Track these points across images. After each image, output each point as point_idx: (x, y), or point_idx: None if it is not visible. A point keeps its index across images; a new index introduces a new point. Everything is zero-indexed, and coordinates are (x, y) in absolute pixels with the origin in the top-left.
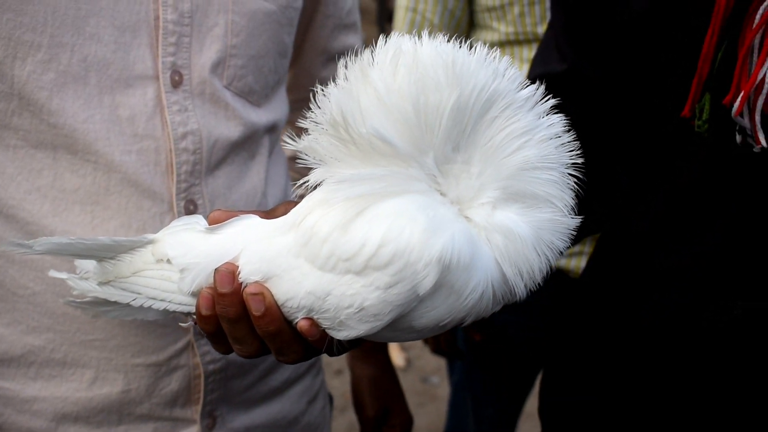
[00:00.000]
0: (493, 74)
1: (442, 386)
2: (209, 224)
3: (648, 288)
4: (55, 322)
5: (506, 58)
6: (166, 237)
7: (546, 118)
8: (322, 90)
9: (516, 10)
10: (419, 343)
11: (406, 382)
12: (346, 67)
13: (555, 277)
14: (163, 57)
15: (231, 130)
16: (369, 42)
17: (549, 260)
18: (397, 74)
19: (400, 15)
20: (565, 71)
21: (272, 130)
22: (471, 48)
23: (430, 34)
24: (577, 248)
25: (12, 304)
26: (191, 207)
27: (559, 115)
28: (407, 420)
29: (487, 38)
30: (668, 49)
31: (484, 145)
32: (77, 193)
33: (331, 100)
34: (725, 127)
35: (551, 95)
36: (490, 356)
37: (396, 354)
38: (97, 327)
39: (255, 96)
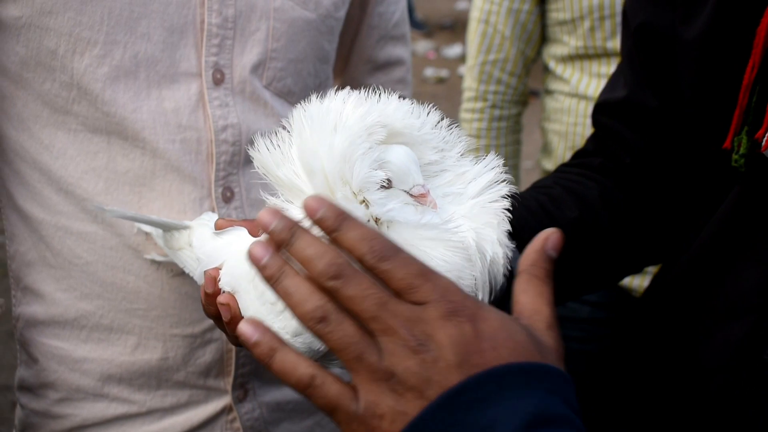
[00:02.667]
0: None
1: None
2: (216, 229)
3: (705, 323)
4: (104, 290)
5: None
6: (195, 227)
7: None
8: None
9: (586, 24)
10: None
11: None
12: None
13: (615, 292)
14: (206, 57)
15: (270, 127)
16: None
17: None
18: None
19: (473, 27)
20: (624, 98)
21: None
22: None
23: (500, 46)
24: None
25: (68, 271)
26: (228, 194)
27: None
28: None
29: (557, 52)
30: (714, 80)
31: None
32: (127, 175)
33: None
34: (762, 162)
35: (612, 122)
36: None
37: None
38: (141, 297)
39: (294, 97)
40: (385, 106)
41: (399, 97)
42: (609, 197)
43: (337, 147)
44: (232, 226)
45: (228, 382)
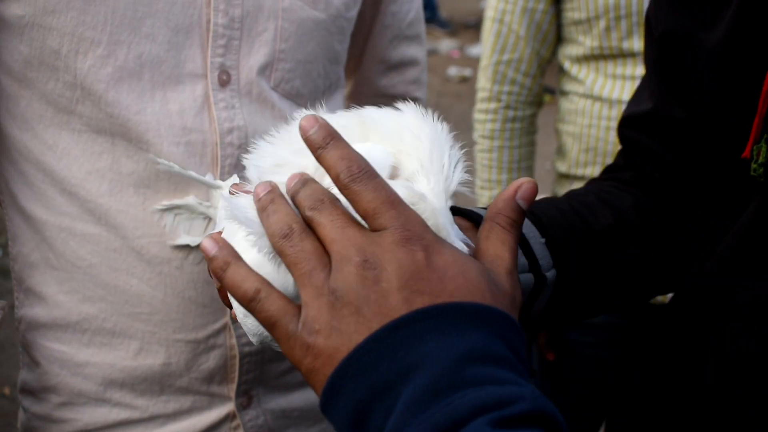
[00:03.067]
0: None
1: None
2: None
3: (726, 333)
4: (107, 294)
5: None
6: (224, 187)
7: None
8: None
9: (602, 24)
10: None
11: None
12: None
13: None
14: (212, 57)
15: None
16: None
17: None
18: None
19: (487, 26)
20: (650, 111)
21: None
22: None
23: (515, 46)
24: None
25: (71, 273)
26: None
27: None
28: None
29: (572, 52)
30: (734, 87)
31: None
32: (131, 176)
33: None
34: None
35: (639, 135)
36: (563, 376)
37: None
38: (144, 301)
39: (303, 99)
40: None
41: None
42: (643, 209)
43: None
44: (245, 191)
45: (232, 389)
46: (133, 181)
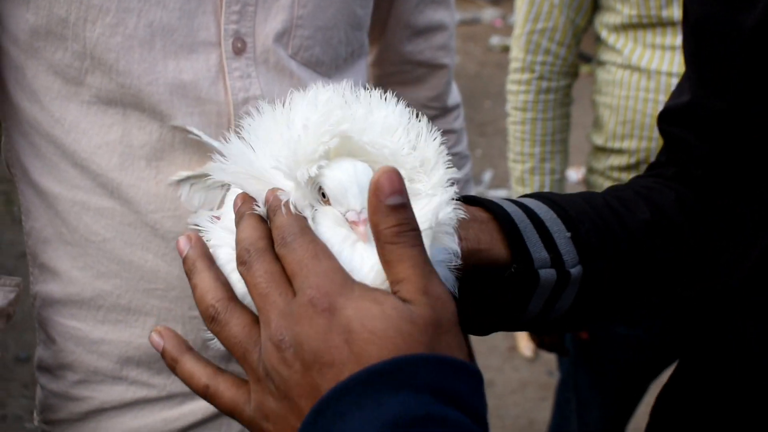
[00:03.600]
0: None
1: None
2: None
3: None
4: (122, 269)
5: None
6: None
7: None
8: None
9: None
10: None
11: (532, 374)
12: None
13: None
14: (225, 24)
15: None
16: None
17: None
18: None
19: None
20: (688, 103)
21: None
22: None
23: (549, 14)
24: None
25: (84, 249)
26: None
27: None
28: None
29: (610, 21)
30: None
31: None
32: (143, 148)
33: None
34: None
35: (678, 129)
36: (596, 356)
37: (524, 344)
38: (159, 277)
39: (323, 67)
40: (363, 116)
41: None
42: (685, 205)
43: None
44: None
45: None
46: (145, 154)
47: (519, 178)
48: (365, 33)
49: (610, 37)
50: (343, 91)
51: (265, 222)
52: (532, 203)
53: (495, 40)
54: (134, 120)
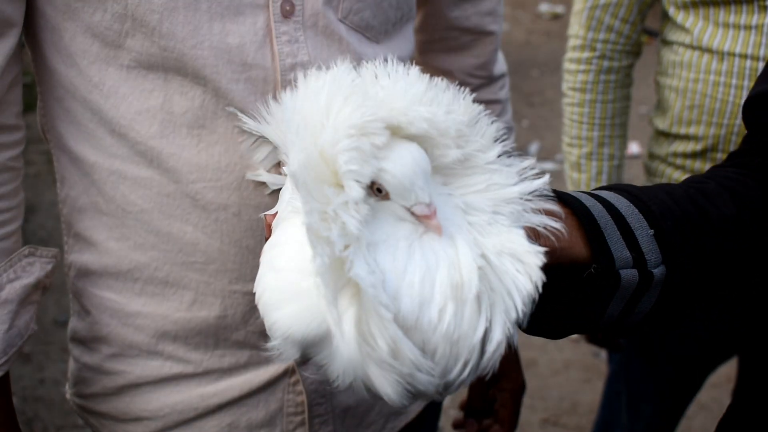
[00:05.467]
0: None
1: None
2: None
3: None
4: (159, 241)
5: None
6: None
7: None
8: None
9: None
10: None
11: (576, 355)
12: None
13: None
14: None
15: None
16: None
17: None
18: None
19: None
20: None
21: None
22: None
23: None
24: None
25: (121, 219)
26: None
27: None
28: (519, 386)
29: None
30: None
31: None
32: (185, 116)
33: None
34: None
35: (764, 115)
36: (651, 348)
37: None
38: (198, 249)
39: (373, 32)
40: (387, 93)
41: (418, 71)
42: None
43: (320, 149)
44: None
45: None
46: (187, 121)
47: (575, 164)
48: None
49: (678, 15)
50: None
51: None
52: (610, 196)
53: (544, 7)
54: (176, 85)
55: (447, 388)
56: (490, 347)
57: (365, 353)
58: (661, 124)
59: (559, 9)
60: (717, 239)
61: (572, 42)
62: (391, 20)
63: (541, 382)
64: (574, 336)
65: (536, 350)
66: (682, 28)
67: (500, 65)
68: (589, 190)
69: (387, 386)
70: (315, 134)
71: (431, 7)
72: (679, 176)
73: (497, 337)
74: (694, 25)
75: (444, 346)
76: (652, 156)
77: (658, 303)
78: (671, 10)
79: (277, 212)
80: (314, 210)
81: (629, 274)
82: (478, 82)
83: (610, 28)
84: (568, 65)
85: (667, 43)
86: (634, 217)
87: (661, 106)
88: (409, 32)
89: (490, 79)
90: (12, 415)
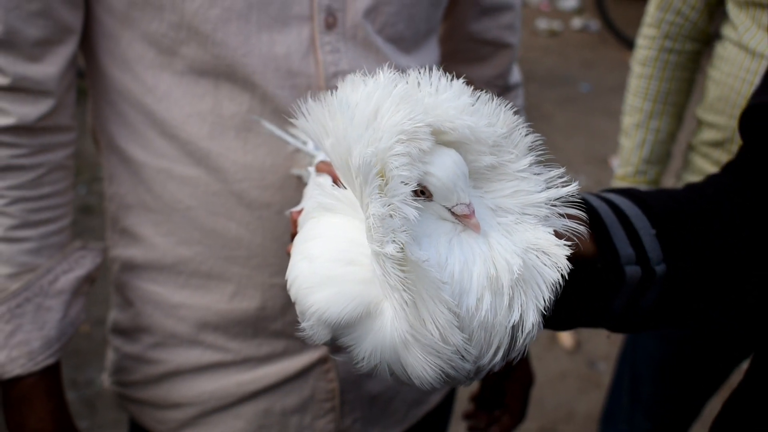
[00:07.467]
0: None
1: (608, 374)
2: (316, 171)
3: None
4: (204, 237)
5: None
6: (318, 157)
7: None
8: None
9: None
10: None
11: (572, 365)
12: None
13: None
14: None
15: None
16: None
17: None
18: None
19: None
20: None
21: None
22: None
23: None
24: None
25: (168, 216)
26: None
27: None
28: (530, 379)
29: None
30: None
31: None
32: (233, 119)
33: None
34: None
35: (760, 126)
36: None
37: (566, 334)
38: (242, 245)
39: (405, 43)
40: (433, 101)
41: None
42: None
43: (368, 152)
44: (330, 170)
45: None
46: (235, 125)
47: (625, 130)
48: (442, 10)
49: (732, 12)
50: (410, 78)
51: None
52: (616, 198)
53: (542, 24)
54: (226, 91)
55: (478, 373)
56: (522, 334)
57: (413, 336)
58: (699, 110)
59: (557, 26)
60: (715, 240)
61: (646, 18)
62: (421, 32)
63: (537, 391)
64: (570, 346)
65: (533, 360)
66: (733, 25)
67: (516, 75)
68: (597, 193)
69: (428, 370)
70: (360, 139)
71: (454, 21)
72: (701, 164)
73: (529, 325)
74: (742, 24)
75: (480, 332)
76: (690, 147)
77: (660, 299)
78: (729, 7)
79: (302, 208)
80: (380, 201)
81: (633, 270)
82: (495, 90)
83: (678, 12)
84: (639, 40)
85: (720, 38)
86: (637, 217)
87: (703, 95)
88: (435, 43)
89: (506, 88)
90: (64, 403)
